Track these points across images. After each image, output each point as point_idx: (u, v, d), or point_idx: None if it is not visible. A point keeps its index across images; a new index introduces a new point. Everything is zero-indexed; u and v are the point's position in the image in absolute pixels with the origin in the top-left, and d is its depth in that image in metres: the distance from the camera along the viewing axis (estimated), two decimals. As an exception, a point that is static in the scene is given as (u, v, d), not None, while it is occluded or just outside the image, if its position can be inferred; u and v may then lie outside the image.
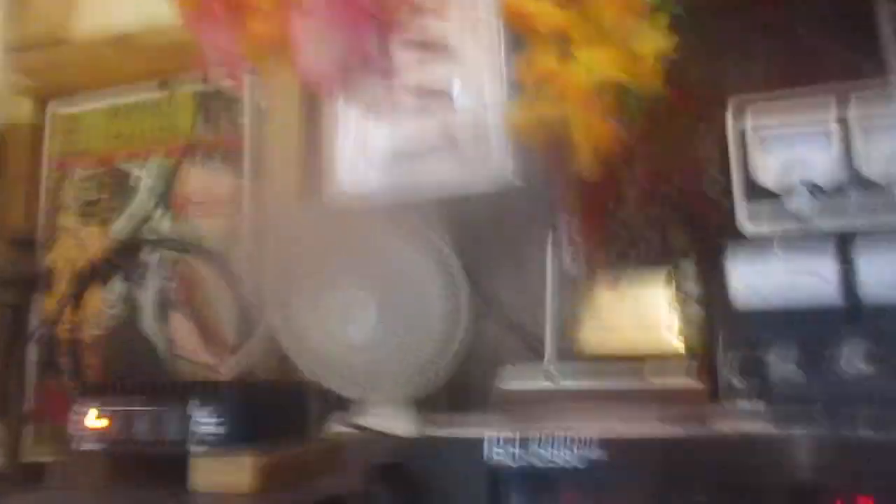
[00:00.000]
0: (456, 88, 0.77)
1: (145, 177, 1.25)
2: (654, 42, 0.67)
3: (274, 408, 0.57)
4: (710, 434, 0.46)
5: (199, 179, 1.20)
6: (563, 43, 0.72)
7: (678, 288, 0.95)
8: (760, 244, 0.68)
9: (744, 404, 0.65)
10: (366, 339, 0.83)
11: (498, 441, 0.48)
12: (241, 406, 0.53)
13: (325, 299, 0.84)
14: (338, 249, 0.84)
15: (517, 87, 0.75)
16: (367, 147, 0.82)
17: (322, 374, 0.88)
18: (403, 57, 0.79)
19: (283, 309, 0.89)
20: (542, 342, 0.92)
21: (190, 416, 0.53)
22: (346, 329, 0.84)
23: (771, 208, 0.69)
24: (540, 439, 0.48)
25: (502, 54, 0.75)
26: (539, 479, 0.49)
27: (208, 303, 1.16)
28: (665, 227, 1.12)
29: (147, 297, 1.20)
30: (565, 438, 0.47)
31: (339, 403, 0.94)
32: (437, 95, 0.79)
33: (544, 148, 0.74)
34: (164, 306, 1.18)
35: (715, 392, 0.66)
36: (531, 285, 1.07)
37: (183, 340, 1.16)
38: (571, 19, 0.68)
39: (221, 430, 0.52)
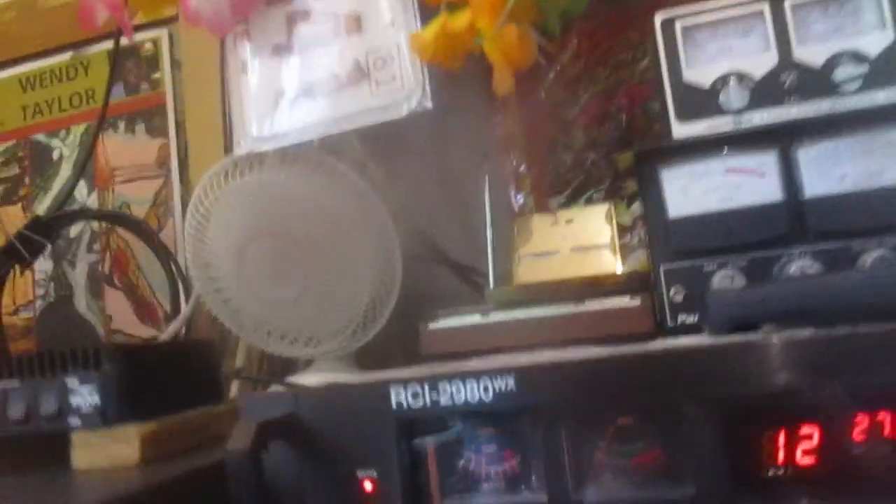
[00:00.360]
0: (362, 10, 0.71)
1: (66, 148, 1.17)
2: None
3: (164, 372, 0.52)
4: (632, 352, 0.41)
5: (121, 144, 1.13)
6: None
7: (629, 204, 0.91)
8: (694, 148, 0.62)
9: (686, 319, 0.61)
10: (292, 294, 0.78)
11: (403, 384, 0.43)
12: (123, 373, 0.47)
13: (246, 254, 0.78)
14: (257, 202, 0.78)
15: (426, 6, 0.68)
16: (275, 89, 0.75)
17: (253, 334, 0.83)
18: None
19: (208, 270, 0.83)
20: (479, 273, 0.88)
21: (67, 389, 0.47)
22: (270, 284, 0.78)
23: (703, 108, 0.63)
24: (448, 378, 0.43)
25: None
26: (448, 420, 0.44)
27: (141, 274, 1.10)
28: (609, 151, 1.07)
29: (78, 274, 1.14)
30: (472, 373, 0.42)
31: (271, 363, 0.90)
32: (342, 20, 0.72)
33: (459, 66, 0.68)
34: (97, 282, 1.12)
35: (656, 310, 0.61)
36: (468, 219, 1.03)
37: (119, 315, 1.10)
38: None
39: (100, 400, 0.47)
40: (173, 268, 0.99)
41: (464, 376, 0.42)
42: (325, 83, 0.73)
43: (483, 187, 0.91)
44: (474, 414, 0.43)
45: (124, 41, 1.05)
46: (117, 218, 1.03)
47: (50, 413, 0.47)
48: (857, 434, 0.39)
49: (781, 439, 0.40)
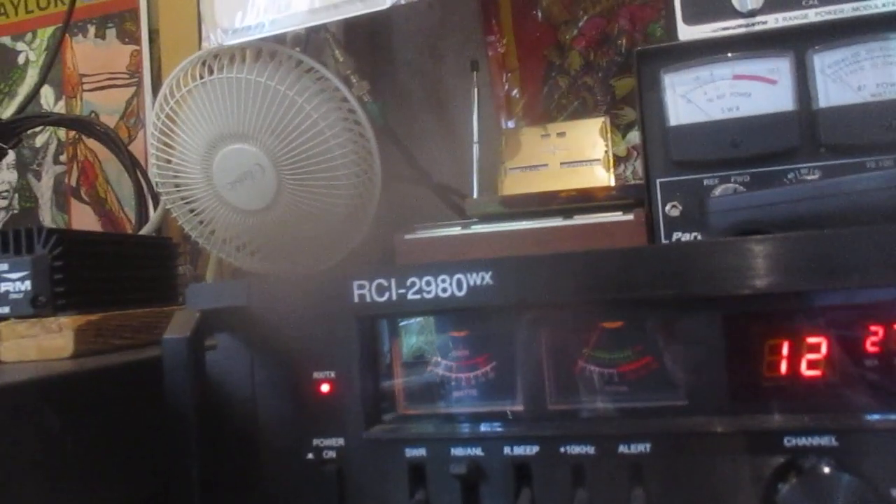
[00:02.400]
0: None
1: (32, 52, 1.10)
2: None
3: (110, 265, 0.47)
4: (609, 250, 0.37)
5: (90, 50, 1.06)
6: None
7: (626, 131, 0.86)
8: (700, 50, 0.57)
9: (682, 236, 0.56)
10: (263, 203, 0.73)
11: (364, 277, 0.39)
12: (57, 259, 0.42)
13: (214, 159, 0.73)
14: (226, 100, 0.72)
15: None
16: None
17: (222, 247, 0.78)
18: None
19: (174, 177, 0.77)
20: (464, 197, 0.83)
21: (-6, 274, 0.42)
22: (238, 192, 0.73)
23: (713, 9, 0.58)
24: (417, 271, 0.38)
25: None
26: (416, 316, 0.39)
27: (110, 187, 1.05)
28: (607, 76, 1.02)
29: (43, 186, 1.08)
30: (446, 264, 0.38)
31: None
32: None
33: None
34: (63, 194, 1.06)
35: (651, 226, 0.57)
36: (456, 141, 0.97)
37: (85, 227, 1.05)
38: None
39: (32, 287, 0.42)
40: (142, 180, 0.93)
41: (436, 269, 0.38)
42: (302, -28, 0.66)
43: (471, 103, 0.86)
44: (446, 312, 0.39)
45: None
46: (82, 124, 0.96)
47: (-24, 300, 0.42)
48: (870, 346, 0.35)
49: (785, 349, 0.36)
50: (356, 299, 0.39)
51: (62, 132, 1.08)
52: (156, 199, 0.95)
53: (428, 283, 0.38)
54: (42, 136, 1.08)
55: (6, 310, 0.42)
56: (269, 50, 0.71)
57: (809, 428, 0.34)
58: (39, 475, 0.32)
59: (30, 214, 1.08)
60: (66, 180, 1.07)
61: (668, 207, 0.57)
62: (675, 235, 0.57)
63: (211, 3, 0.69)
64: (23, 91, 1.10)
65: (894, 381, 0.35)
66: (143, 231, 0.86)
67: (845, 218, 0.39)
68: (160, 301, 0.51)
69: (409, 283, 0.38)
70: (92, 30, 1.07)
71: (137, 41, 1.05)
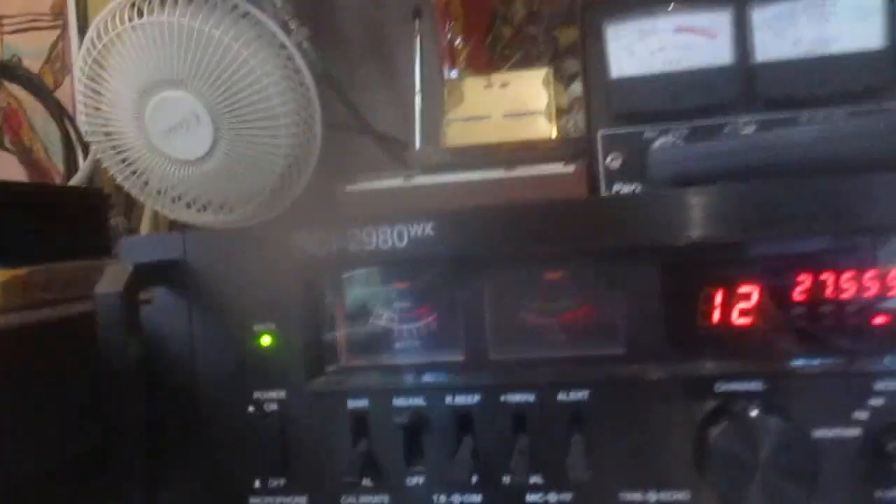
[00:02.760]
0: None
1: (-54, -10, 1.03)
2: None
3: (38, 216, 0.45)
4: (552, 201, 0.37)
5: (10, -11, 1.00)
6: None
7: (569, 83, 0.86)
8: (643, 3, 0.57)
9: (622, 188, 0.57)
10: (199, 153, 0.70)
11: (307, 228, 0.38)
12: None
13: (146, 107, 0.70)
14: (160, 45, 0.69)
15: None
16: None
17: (157, 199, 0.76)
18: None
19: (103, 125, 0.74)
20: (406, 148, 0.82)
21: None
22: (174, 141, 0.70)
23: (657, -41, 0.58)
24: (354, 224, 0.38)
25: None
26: (357, 267, 0.39)
27: (36, 136, 1.00)
28: (551, 26, 1.02)
29: (-37, 133, 1.02)
30: (388, 216, 0.37)
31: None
32: None
33: None
34: (-16, 141, 1.01)
35: (592, 177, 0.57)
36: (398, 90, 0.96)
37: (10, 178, 1.00)
38: None
39: (-47, 238, 0.40)
40: (69, 127, 0.89)
41: (376, 221, 0.37)
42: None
43: (414, 52, 0.84)
44: (387, 263, 0.38)
45: None
46: (4, 70, 0.91)
47: None
48: (798, 294, 0.37)
49: (718, 298, 0.37)
50: (298, 252, 0.38)
51: (-18, 77, 1.02)
52: (86, 148, 0.91)
53: (369, 235, 0.38)
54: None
55: (-74, 262, 0.40)
56: (204, -7, 0.68)
57: (739, 373, 0.35)
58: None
59: (-51, 163, 1.03)
60: (-12, 127, 1.02)
61: (609, 159, 0.57)
62: (616, 187, 0.58)
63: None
64: (-63, 32, 1.03)
65: (819, 327, 0.36)
66: (73, 182, 0.82)
67: (778, 170, 0.40)
68: (91, 254, 0.49)
69: (349, 234, 0.38)
70: (12, -33, 1.00)
71: (61, -20, 0.99)
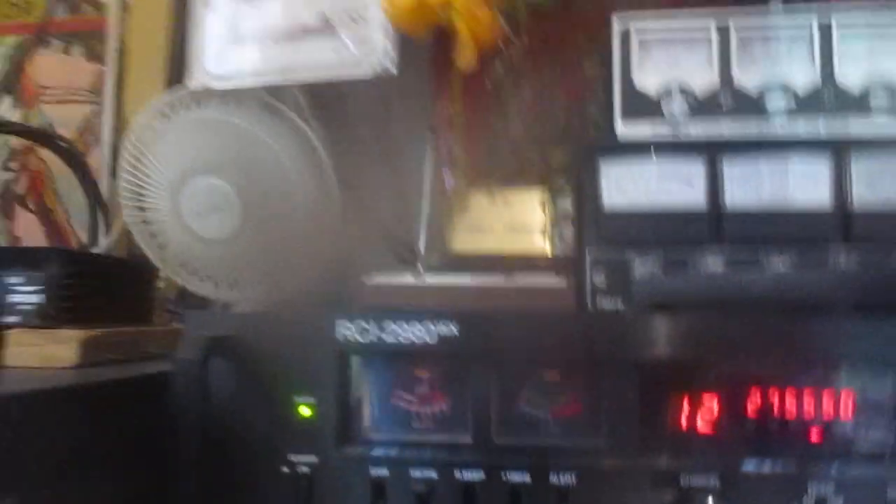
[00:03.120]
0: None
1: (-9, 57, 1.12)
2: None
3: (106, 283, 0.52)
4: (561, 313, 0.45)
5: (53, 63, 1.09)
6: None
7: (552, 196, 0.95)
8: (634, 149, 0.67)
9: (605, 302, 0.65)
10: (226, 234, 0.78)
11: (348, 317, 0.46)
12: (67, 276, 0.47)
13: (183, 190, 0.78)
14: (199, 136, 0.78)
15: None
16: (236, 29, 0.75)
17: (176, 269, 0.83)
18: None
19: (139, 201, 0.82)
20: (411, 248, 0.91)
21: (7, 285, 0.47)
22: (204, 222, 0.78)
23: (647, 114, 0.68)
24: (392, 316, 0.45)
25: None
26: (390, 356, 0.46)
27: (59, 200, 1.07)
28: (544, 146, 1.12)
29: (-12, 190, 1.09)
30: (419, 314, 0.45)
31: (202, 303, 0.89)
32: (314, -27, 0.73)
33: (425, 37, 0.71)
34: (8, 199, 1.08)
35: (580, 292, 0.66)
36: (403, 188, 1.05)
37: (28, 239, 1.06)
38: None
39: (43, 300, 0.47)
40: (97, 196, 0.96)
41: (409, 317, 0.45)
42: (289, 31, 0.73)
43: (422, 161, 0.94)
44: (414, 354, 0.46)
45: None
46: (46, 137, 0.99)
47: (-15, 307, 0.47)
48: (751, 407, 0.45)
49: (685, 405, 0.45)
50: (339, 336, 0.46)
51: (13, 139, 1.10)
52: (107, 216, 0.98)
53: (402, 328, 0.45)
54: (-9, 141, 1.09)
55: (15, 319, 0.47)
56: (236, 93, 0.77)
57: (699, 470, 0.43)
58: (41, 479, 0.36)
59: (-29, 217, 1.09)
60: (14, 188, 1.08)
61: (595, 278, 0.66)
62: (600, 300, 0.66)
63: (201, 46, 0.74)
64: (-24, 93, 1.11)
65: (767, 436, 0.44)
66: (100, 249, 0.89)
67: (740, 306, 0.49)
68: (139, 319, 0.56)
69: (385, 326, 0.45)
70: (58, 44, 1.10)
71: (102, 60, 1.08)
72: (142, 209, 0.82)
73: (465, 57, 0.67)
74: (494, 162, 1.14)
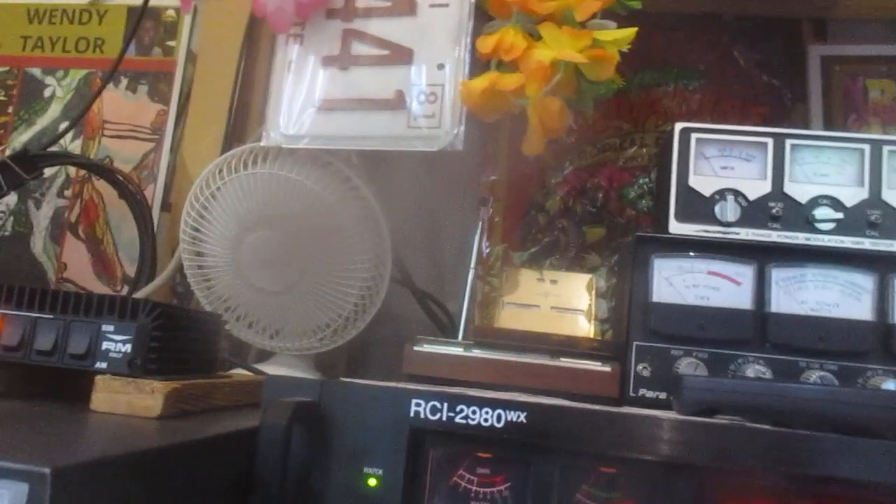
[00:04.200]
0: (416, 46, 0.76)
1: (60, 89, 1.16)
2: (614, 32, 0.68)
3: (185, 335, 0.55)
4: (622, 411, 0.48)
5: (119, 100, 1.14)
6: (527, 20, 0.72)
7: (594, 278, 0.98)
8: (686, 245, 0.70)
9: (646, 393, 0.68)
10: (280, 287, 0.81)
11: (422, 396, 0.48)
12: (155, 328, 0.50)
13: (241, 241, 0.81)
14: (261, 191, 0.81)
15: (477, 58, 0.74)
16: (314, 93, 0.79)
17: (227, 317, 0.85)
18: (367, 5, 0.77)
19: (195, 245, 0.85)
20: (450, 317, 0.93)
21: (100, 332, 0.49)
22: (260, 274, 0.81)
23: (699, 213, 0.71)
24: (464, 400, 0.48)
25: (468, 21, 0.74)
26: (459, 438, 0.49)
27: (109, 230, 1.10)
28: (580, 222, 1.16)
29: (42, 215, 1.12)
30: (489, 401, 0.47)
31: (238, 348, 0.92)
32: (395, 50, 0.77)
33: (493, 119, 0.74)
34: (59, 227, 1.11)
35: (623, 379, 0.68)
36: (445, 257, 1.08)
37: (74, 266, 1.09)
38: (539, -5, 0.68)
39: (131, 349, 0.49)
40: (150, 232, 1.00)
41: (482, 402, 0.47)
42: (364, 103, 0.77)
43: (461, 229, 0.97)
44: (481, 437, 0.48)
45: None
46: (106, 172, 1.03)
47: (78, 352, 0.49)
48: (799, 521, 0.47)
49: (736, 511, 0.47)
50: (412, 413, 0.48)
51: (72, 168, 1.13)
52: (155, 252, 1.01)
53: (473, 412, 0.47)
54: (52, 167, 1.12)
55: (104, 365, 0.49)
56: (296, 152, 0.80)
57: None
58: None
59: (21, 239, 1.12)
60: (66, 215, 1.11)
61: (639, 367, 0.69)
62: (642, 391, 0.68)
63: (277, 109, 0.78)
64: (41, 122, 1.15)
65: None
66: (150, 287, 0.92)
67: (786, 416, 0.51)
68: (208, 370, 0.59)
69: (458, 408, 0.48)
70: (125, 81, 1.14)
71: (166, 102, 1.13)
72: (199, 254, 0.85)
73: (534, 144, 0.71)
74: (532, 233, 1.17)
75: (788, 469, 0.46)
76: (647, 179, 1.09)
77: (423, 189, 1.14)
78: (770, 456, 0.46)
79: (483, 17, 0.76)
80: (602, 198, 1.18)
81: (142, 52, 1.15)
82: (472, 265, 0.89)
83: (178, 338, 0.53)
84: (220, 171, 0.83)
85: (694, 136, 0.72)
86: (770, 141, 0.71)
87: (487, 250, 1.19)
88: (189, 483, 0.41)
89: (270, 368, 0.85)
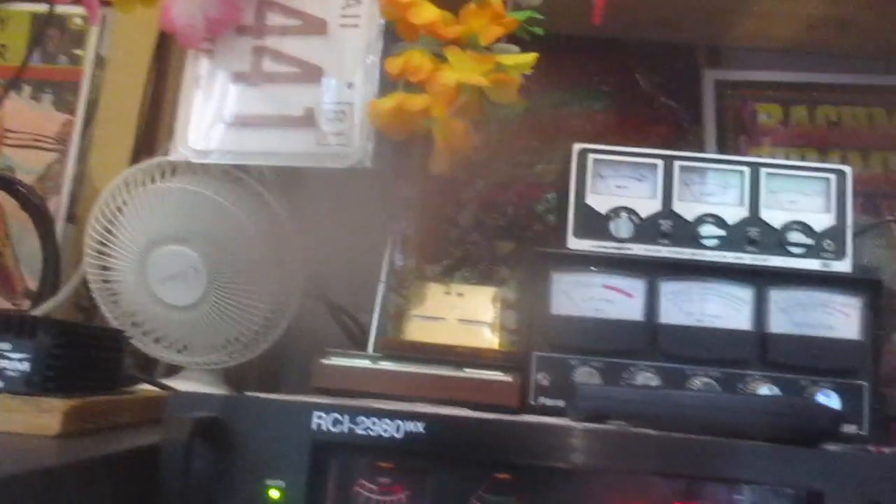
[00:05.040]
0: (326, 65, 0.78)
1: (-44, 95, 1.12)
2: (516, 56, 0.71)
3: (86, 353, 0.54)
4: (516, 420, 0.50)
5: (22, 109, 1.10)
6: (434, 43, 0.74)
7: (501, 291, 1.02)
8: (582, 260, 0.74)
9: (546, 401, 0.71)
10: (188, 301, 0.81)
11: (323, 409, 0.49)
12: (54, 345, 0.50)
13: (150, 255, 0.80)
14: (169, 205, 0.81)
15: (386, 78, 0.76)
16: (223, 109, 0.80)
17: (134, 332, 0.84)
18: (278, 23, 0.78)
19: (101, 260, 0.84)
20: (363, 330, 0.95)
21: (-7, 350, 0.49)
22: (168, 289, 0.81)
23: (595, 230, 0.75)
24: (365, 412, 0.49)
25: (376, 42, 0.76)
26: (360, 449, 0.50)
27: (10, 243, 1.07)
28: (494, 237, 1.19)
29: (-63, 227, 1.08)
30: (389, 412, 0.49)
31: (145, 362, 0.91)
32: (305, 68, 0.78)
33: (402, 139, 0.77)
34: (-43, 239, 1.07)
35: (525, 388, 0.71)
36: (359, 270, 1.09)
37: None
38: (445, 19, 0.70)
39: (29, 367, 0.49)
40: (53, 246, 0.97)
41: (381, 414, 0.49)
42: (274, 120, 0.78)
43: (375, 243, 0.99)
44: (381, 448, 0.50)
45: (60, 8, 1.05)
46: (7, 182, 1.00)
47: (-28, 372, 0.48)
48: (676, 518, 0.50)
49: (618, 512, 0.50)
50: (314, 426, 0.49)
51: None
52: (59, 266, 0.99)
53: (374, 424, 0.49)
54: (-54, 178, 1.08)
55: (1, 384, 0.49)
56: (205, 166, 0.80)
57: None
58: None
59: (-86, 252, 1.07)
60: (-36, 226, 1.07)
61: (539, 376, 0.72)
62: (542, 400, 0.72)
63: (186, 123, 0.78)
64: (-63, 130, 1.11)
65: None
66: (53, 301, 0.90)
67: (672, 422, 0.55)
68: (110, 387, 0.59)
69: (358, 420, 0.49)
70: (28, 90, 1.11)
71: (72, 112, 1.10)
72: (105, 268, 0.84)
73: (439, 164, 0.73)
74: (444, 247, 1.20)
75: (668, 471, 0.50)
76: (554, 195, 1.13)
77: (339, 204, 1.16)
78: (652, 459, 0.50)
79: (392, 38, 0.78)
80: (512, 213, 1.21)
81: (47, 60, 1.12)
82: (383, 278, 0.91)
83: (80, 355, 0.53)
84: (127, 184, 0.83)
85: (591, 156, 0.76)
86: (660, 162, 0.76)
87: (402, 264, 1.21)
88: (88, 502, 0.41)
89: (179, 383, 0.84)
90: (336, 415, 0.49)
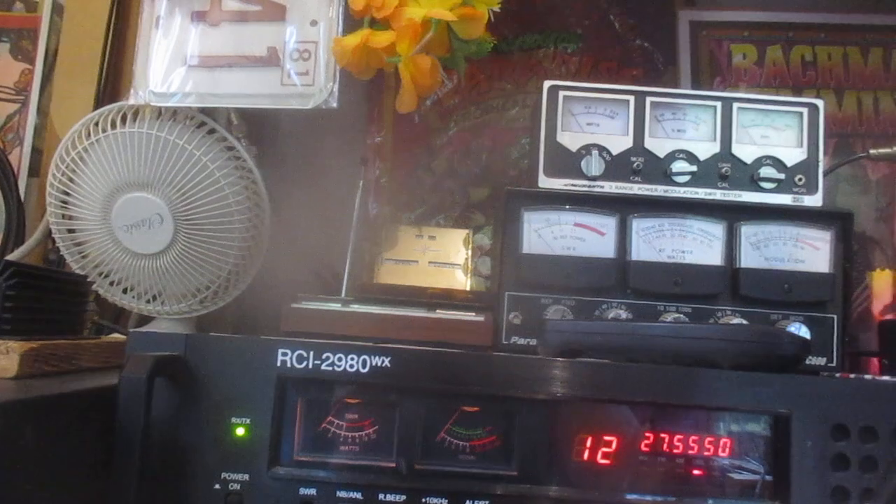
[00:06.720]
0: (289, 2, 0.75)
1: None
2: (484, -8, 0.69)
3: (47, 296, 0.53)
4: (482, 354, 0.50)
5: (-22, 58, 1.07)
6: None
7: (474, 233, 1.01)
8: (553, 198, 0.73)
9: (518, 340, 0.71)
10: (155, 248, 0.79)
11: (288, 346, 0.49)
12: (10, 287, 0.49)
13: (115, 203, 0.79)
14: (133, 151, 0.79)
15: (350, 16, 0.74)
16: (184, 51, 0.77)
17: (102, 283, 0.83)
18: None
19: (64, 209, 0.82)
20: (336, 275, 0.94)
21: (-54, 293, 0.48)
22: (133, 235, 0.79)
23: (567, 168, 0.75)
24: (332, 348, 0.49)
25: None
26: (326, 385, 0.50)
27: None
28: (465, 183, 1.18)
29: None
30: (355, 347, 0.49)
31: (117, 315, 0.90)
32: (267, 6, 0.76)
33: (367, 77, 0.75)
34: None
35: (497, 328, 0.71)
36: (331, 215, 1.08)
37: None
38: (410, -48, 0.68)
39: (-17, 310, 0.48)
40: (17, 198, 0.95)
41: (347, 349, 0.49)
42: (236, 60, 0.76)
43: (350, 190, 0.97)
44: (347, 383, 0.49)
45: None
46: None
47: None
48: (644, 447, 0.51)
49: (588, 441, 0.50)
50: (279, 363, 0.49)
51: (-73, 131, 1.06)
52: (23, 218, 0.97)
53: (339, 359, 0.49)
54: None
55: (-43, 328, 0.48)
56: (171, 110, 0.78)
57: (597, 500, 0.48)
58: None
59: None
60: (-76, 181, 1.04)
61: (511, 315, 0.71)
62: (514, 339, 0.72)
63: (145, 64, 0.76)
64: None
65: (656, 472, 0.50)
66: (17, 253, 0.88)
67: (641, 353, 0.55)
68: (73, 332, 0.57)
69: (324, 356, 0.49)
70: (-17, 39, 1.07)
71: (31, 60, 1.07)
72: (69, 217, 0.82)
73: (406, 102, 0.72)
74: (418, 194, 1.19)
75: (635, 399, 0.50)
76: (528, 139, 1.12)
77: (310, 149, 1.14)
78: (620, 388, 0.50)
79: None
80: (486, 158, 1.20)
81: (2, 6, 1.08)
82: (354, 224, 0.90)
83: (38, 297, 0.51)
84: (88, 130, 0.80)
85: (562, 93, 0.75)
86: (631, 99, 0.75)
87: (375, 211, 1.20)
88: (42, 439, 0.41)
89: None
90: (301, 351, 0.49)
